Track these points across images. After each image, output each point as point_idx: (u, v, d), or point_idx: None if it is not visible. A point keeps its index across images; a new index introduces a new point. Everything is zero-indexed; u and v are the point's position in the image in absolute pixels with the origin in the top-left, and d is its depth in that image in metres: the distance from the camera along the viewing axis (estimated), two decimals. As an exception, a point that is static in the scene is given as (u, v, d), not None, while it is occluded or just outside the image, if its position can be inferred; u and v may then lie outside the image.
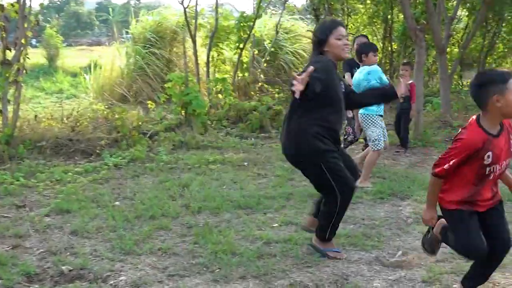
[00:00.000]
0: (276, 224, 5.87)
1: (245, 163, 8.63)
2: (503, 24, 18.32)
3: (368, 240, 5.37)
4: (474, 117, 3.65)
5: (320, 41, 4.84)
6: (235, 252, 5.05)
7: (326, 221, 4.89)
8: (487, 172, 3.65)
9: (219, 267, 4.75)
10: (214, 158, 8.76)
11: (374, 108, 7.21)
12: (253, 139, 10.67)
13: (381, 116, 7.48)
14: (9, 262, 4.83)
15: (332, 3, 15.58)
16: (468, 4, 16.58)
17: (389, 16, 16.57)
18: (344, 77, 8.08)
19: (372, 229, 5.68)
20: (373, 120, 7.35)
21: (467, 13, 17.48)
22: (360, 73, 7.44)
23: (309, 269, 4.73)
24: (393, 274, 4.64)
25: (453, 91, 15.43)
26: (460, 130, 3.71)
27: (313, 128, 4.69)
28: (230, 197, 6.73)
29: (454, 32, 16.73)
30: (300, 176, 7.69)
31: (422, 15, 12.35)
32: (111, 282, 4.52)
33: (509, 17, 17.63)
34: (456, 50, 16.86)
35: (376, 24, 17.69)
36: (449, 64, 14.31)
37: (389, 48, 17.11)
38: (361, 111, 7.41)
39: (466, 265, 4.75)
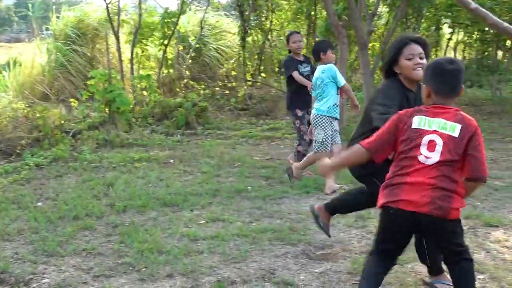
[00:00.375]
0: (203, 221, 5.84)
1: (171, 161, 8.57)
2: (422, 20, 18.83)
3: (294, 234, 5.41)
4: None
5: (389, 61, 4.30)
6: (161, 250, 5.00)
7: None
8: None
9: (146, 266, 4.70)
10: (139, 156, 8.67)
11: (324, 108, 7.02)
12: (178, 136, 10.61)
13: (335, 118, 7.16)
14: None
15: (255, -1, 15.65)
16: (388, 1, 16.96)
17: (312, 13, 16.75)
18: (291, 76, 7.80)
19: (299, 223, 5.73)
20: (321, 121, 7.04)
21: (387, 9, 17.89)
22: (316, 72, 7.22)
23: (236, 265, 4.73)
24: (319, 267, 4.69)
25: (376, 86, 15.74)
26: None
27: None
28: (156, 195, 6.67)
29: (376, 28, 17.05)
30: (226, 172, 7.75)
31: (344, 12, 12.58)
32: (34, 285, 4.41)
33: (428, 13, 18.12)
34: (378, 45, 17.16)
35: (300, 20, 17.84)
36: (371, 59, 14.59)
37: (313, 44, 17.26)
38: (313, 110, 7.17)
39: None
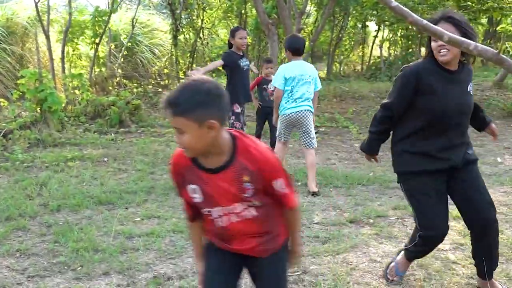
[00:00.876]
0: (138, 218, 5.80)
1: (105, 159, 8.44)
2: (349, 18, 19.20)
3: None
4: None
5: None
6: (97, 248, 4.95)
7: None
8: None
9: (81, 264, 4.65)
10: (72, 155, 8.50)
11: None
12: (112, 134, 10.46)
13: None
14: None
15: (184, -2, 15.60)
16: (316, -1, 17.23)
17: (242, 11, 16.84)
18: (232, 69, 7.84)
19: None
20: None
21: (315, 8, 18.14)
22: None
23: (172, 261, 4.73)
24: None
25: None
26: None
27: None
28: (90, 194, 6.57)
29: (305, 26, 17.29)
30: (161, 170, 7.71)
31: (274, 10, 12.68)
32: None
33: (354, 12, 18.49)
34: (307, 43, 17.44)
35: (230, 18, 17.91)
36: (302, 56, 14.81)
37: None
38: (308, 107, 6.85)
39: (322, 247, 4.97)
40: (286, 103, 6.75)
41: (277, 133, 7.04)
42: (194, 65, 15.85)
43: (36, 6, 12.15)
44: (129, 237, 5.26)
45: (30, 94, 10.22)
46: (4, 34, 15.39)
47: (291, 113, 6.73)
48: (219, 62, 7.99)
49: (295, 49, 6.74)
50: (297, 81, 6.63)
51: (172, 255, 4.82)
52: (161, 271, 4.51)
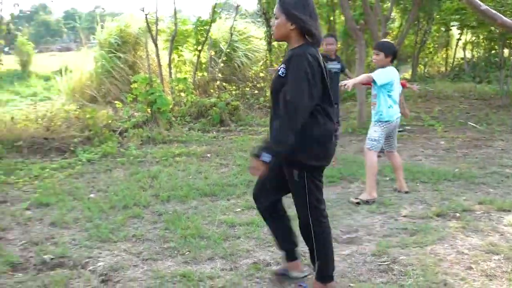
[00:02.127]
0: (239, 209, 5.87)
1: (208, 155, 8.59)
2: (433, 23, 18.68)
3: (322, 219, 5.41)
4: None
5: None
6: (202, 235, 5.05)
7: None
8: None
9: (189, 250, 4.75)
10: (179, 151, 8.71)
11: None
12: (214, 132, 10.64)
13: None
14: (-7, 253, 4.76)
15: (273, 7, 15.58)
16: (401, 5, 16.81)
17: (331, 18, 16.68)
18: None
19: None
20: None
21: (400, 14, 17.74)
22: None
23: (270, 248, 4.75)
24: (346, 249, 4.70)
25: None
26: None
27: None
28: (196, 186, 6.70)
29: (390, 31, 16.93)
30: (258, 164, 7.73)
31: (361, 16, 12.48)
32: (90, 267, 4.48)
33: (437, 17, 17.96)
34: (392, 47, 17.09)
35: (320, 25, 17.82)
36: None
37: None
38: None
39: (410, 238, 4.86)
40: (389, 108, 6.04)
41: (372, 143, 6.08)
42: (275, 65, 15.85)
43: (146, 18, 12.50)
44: (231, 226, 5.34)
45: (142, 97, 10.57)
46: (119, 43, 15.96)
47: (396, 118, 6.16)
48: None
49: (395, 54, 6.16)
50: (395, 86, 6.12)
51: (270, 243, 4.84)
52: (261, 258, 4.56)
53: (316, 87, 3.54)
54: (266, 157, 3.48)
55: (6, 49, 25.35)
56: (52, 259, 4.64)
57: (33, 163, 8.06)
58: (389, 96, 6.05)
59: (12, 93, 19.67)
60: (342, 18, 15.47)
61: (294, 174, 3.71)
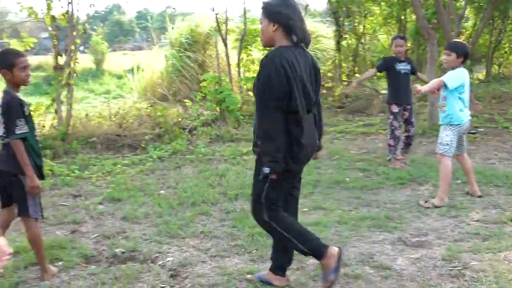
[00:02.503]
0: (306, 209, 5.81)
1: (275, 154, 8.54)
2: (508, 22, 18.01)
3: (391, 222, 5.30)
4: None
5: None
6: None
7: None
8: None
9: (256, 248, 4.74)
10: (247, 150, 8.70)
11: None
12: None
13: None
14: (68, 245, 4.89)
15: (349, 6, 15.42)
16: (475, 4, 16.28)
17: (402, 17, 16.33)
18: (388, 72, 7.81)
19: (395, 212, 5.60)
20: None
21: (474, 12, 17.19)
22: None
23: (338, 249, 4.68)
24: (415, 253, 4.57)
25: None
26: None
27: None
28: (263, 185, 6.67)
29: (463, 30, 16.43)
30: (325, 165, 7.66)
31: (433, 15, 12.15)
32: (160, 262, 4.53)
33: (513, 15, 17.31)
34: (463, 46, 16.57)
35: (390, 24, 17.44)
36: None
37: (404, 46, 16.88)
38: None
39: (483, 244, 4.68)
40: (460, 111, 5.81)
41: (444, 147, 5.86)
42: (356, 69, 15.66)
43: (216, 17, 12.60)
44: (298, 225, 5.30)
45: (211, 96, 10.67)
46: (189, 43, 16.17)
47: (467, 121, 5.96)
48: (372, 72, 8.13)
49: (467, 55, 5.88)
50: (466, 88, 5.87)
51: (337, 244, 4.77)
52: (328, 258, 4.49)
53: (285, 91, 3.53)
54: (265, 169, 3.60)
55: (82, 48, 26.16)
56: (123, 252, 4.73)
57: (106, 159, 8.27)
58: (460, 98, 5.84)
59: (87, 90, 20.30)
60: (414, 17, 15.12)
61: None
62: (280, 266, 4.08)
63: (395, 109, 7.57)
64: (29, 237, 4.20)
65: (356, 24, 15.97)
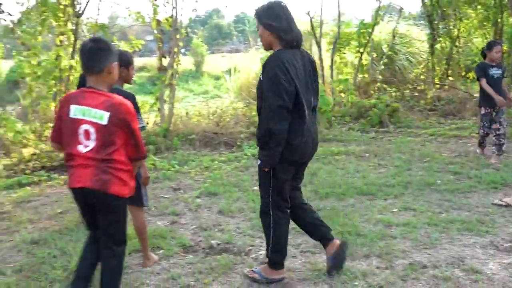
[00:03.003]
0: (396, 209, 5.73)
1: (366, 155, 8.47)
2: None
3: (482, 226, 5.12)
4: None
5: None
6: (359, 233, 5.00)
7: None
8: None
9: (346, 246, 4.73)
10: (338, 150, 8.69)
11: None
12: (373, 133, 10.46)
13: None
14: (168, 235, 5.08)
15: (444, 9, 14.96)
16: None
17: (499, 20, 15.66)
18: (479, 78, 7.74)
19: (486, 216, 5.40)
20: None
21: None
22: None
23: (427, 251, 4.59)
24: (508, 258, 4.39)
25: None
26: None
27: None
28: (353, 185, 6.65)
29: None
30: (416, 167, 7.51)
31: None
32: (253, 255, 4.61)
33: None
34: None
35: (486, 27, 16.77)
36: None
37: (499, 49, 16.18)
38: None
39: None
40: None
41: None
42: (449, 72, 15.16)
43: (311, 21, 12.61)
44: (387, 225, 5.23)
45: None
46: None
47: None
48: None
49: None
50: None
51: (427, 246, 4.69)
52: (417, 259, 4.41)
53: (290, 89, 3.66)
54: (259, 162, 3.86)
55: (183, 50, 26.88)
56: (218, 244, 4.86)
57: (203, 155, 8.50)
58: None
59: (187, 90, 20.87)
60: (510, 20, 14.49)
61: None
62: (324, 237, 4.23)
63: (482, 111, 7.78)
64: (136, 225, 4.40)
65: (451, 27, 15.45)
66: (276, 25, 3.80)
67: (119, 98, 3.34)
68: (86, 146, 3.26)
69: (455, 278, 4.06)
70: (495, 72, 7.60)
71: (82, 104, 3.28)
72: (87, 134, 3.26)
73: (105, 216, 3.38)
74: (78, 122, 3.27)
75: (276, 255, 4.06)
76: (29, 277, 4.23)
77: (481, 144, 8.10)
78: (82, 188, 3.26)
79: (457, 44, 15.53)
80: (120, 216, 3.43)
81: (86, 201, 3.38)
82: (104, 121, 3.24)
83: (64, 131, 3.35)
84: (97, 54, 3.34)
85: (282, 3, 3.90)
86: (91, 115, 3.25)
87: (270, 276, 4.07)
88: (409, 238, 4.89)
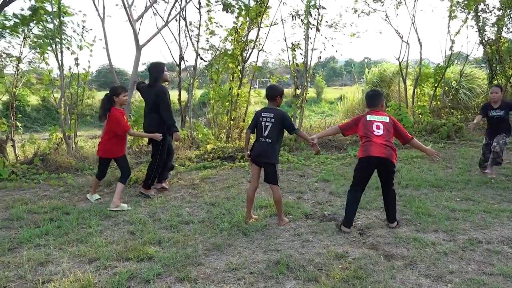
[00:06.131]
0: (459, 199, 5.28)
1: (437, 159, 7.84)
2: None
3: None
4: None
5: None
6: (430, 214, 4.67)
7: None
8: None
9: (419, 222, 4.44)
10: (416, 154, 8.16)
11: None
12: (442, 144, 9.69)
13: None
14: (295, 206, 5.08)
15: (502, 55, 13.45)
16: None
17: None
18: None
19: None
20: None
21: None
22: None
23: (482, 231, 4.18)
24: (549, 241, 3.86)
25: None
26: None
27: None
28: (427, 179, 6.21)
29: None
30: (475, 169, 6.82)
31: None
32: (353, 224, 4.46)
33: None
34: None
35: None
36: None
37: None
38: None
39: None
40: None
41: None
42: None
43: (400, 64, 11.98)
44: (451, 210, 4.83)
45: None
46: (378, 82, 15.67)
47: None
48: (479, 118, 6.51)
49: None
50: None
51: (483, 227, 4.26)
52: (474, 236, 4.03)
53: None
54: None
55: (309, 84, 26.90)
56: (328, 214, 4.78)
57: (321, 154, 8.39)
58: None
59: (311, 111, 20.80)
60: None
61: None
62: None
63: (484, 141, 6.57)
64: (275, 198, 4.47)
65: (506, 68, 13.85)
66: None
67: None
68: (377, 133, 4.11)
69: (504, 252, 3.65)
70: (495, 113, 6.30)
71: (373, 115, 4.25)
72: (377, 128, 4.12)
73: (388, 174, 4.16)
74: (372, 122, 4.18)
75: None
76: (207, 226, 4.46)
77: (484, 166, 6.58)
78: (377, 156, 4.01)
79: (510, 80, 13.92)
80: (395, 172, 4.21)
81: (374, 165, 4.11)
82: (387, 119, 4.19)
83: (360, 127, 4.25)
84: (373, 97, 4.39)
85: None
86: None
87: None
88: (469, 220, 4.48)
